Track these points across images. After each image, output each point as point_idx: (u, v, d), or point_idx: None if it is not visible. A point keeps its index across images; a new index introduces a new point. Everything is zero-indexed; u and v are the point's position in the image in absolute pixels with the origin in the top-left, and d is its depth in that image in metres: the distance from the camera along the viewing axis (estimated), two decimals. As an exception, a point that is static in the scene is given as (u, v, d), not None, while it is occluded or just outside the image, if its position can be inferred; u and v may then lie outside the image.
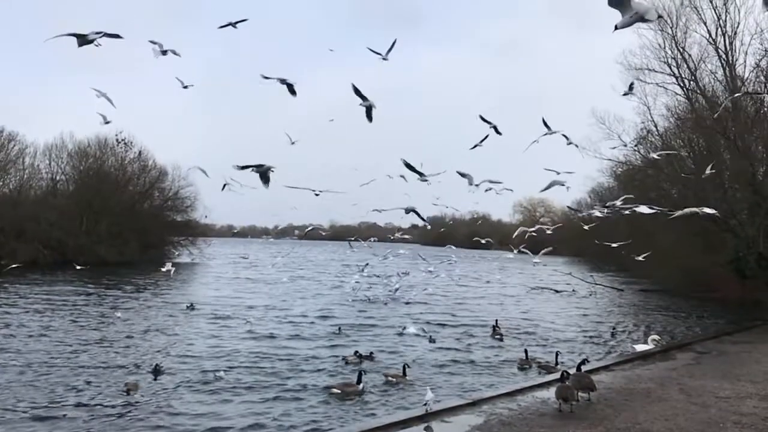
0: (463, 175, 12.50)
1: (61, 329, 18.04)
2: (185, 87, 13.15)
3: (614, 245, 17.92)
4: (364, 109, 10.77)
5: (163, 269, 26.47)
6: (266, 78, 11.08)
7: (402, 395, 11.66)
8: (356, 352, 14.88)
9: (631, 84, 26.12)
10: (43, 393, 11.14)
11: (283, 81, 10.99)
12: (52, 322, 19.29)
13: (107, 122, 13.23)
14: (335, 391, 11.54)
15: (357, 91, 10.67)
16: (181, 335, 17.70)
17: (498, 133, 12.51)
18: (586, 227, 18.26)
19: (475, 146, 13.82)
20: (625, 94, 27.61)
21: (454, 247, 41.52)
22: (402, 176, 13.55)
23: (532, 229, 18.22)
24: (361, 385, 11.59)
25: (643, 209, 8.81)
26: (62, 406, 10.39)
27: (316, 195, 15.29)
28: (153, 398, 10.99)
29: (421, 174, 11.30)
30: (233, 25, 11.68)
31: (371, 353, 14.95)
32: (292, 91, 11.11)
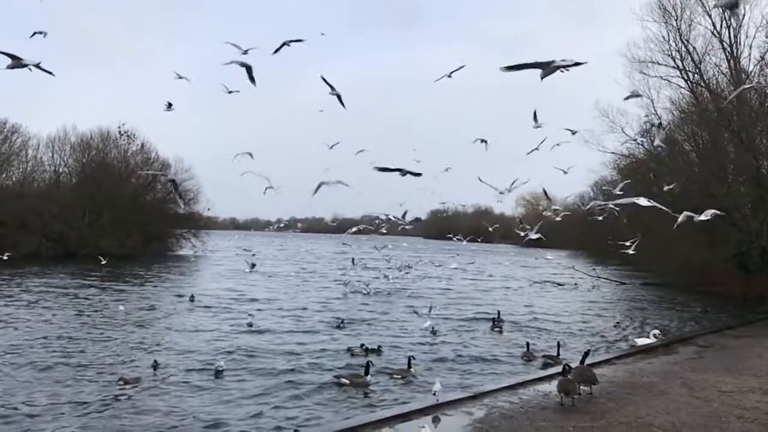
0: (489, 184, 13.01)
1: (61, 322, 18.05)
2: (181, 78, 13.34)
3: (626, 244, 17.92)
4: (346, 101, 11.45)
5: (247, 270, 27.55)
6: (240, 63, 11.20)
7: (407, 387, 11.65)
8: (362, 345, 14.88)
9: (634, 91, 26.03)
10: (41, 387, 11.09)
11: (243, 64, 11.10)
12: (52, 314, 19.31)
13: (170, 107, 13.71)
14: (344, 381, 11.55)
15: (326, 82, 11.50)
16: (183, 328, 17.69)
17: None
18: (600, 217, 18.26)
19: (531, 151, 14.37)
20: (627, 98, 27.59)
21: (463, 242, 41.35)
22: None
23: (535, 234, 18.17)
24: (368, 377, 11.60)
25: (642, 201, 8.72)
26: (60, 399, 10.35)
27: (324, 185, 15.54)
28: (154, 391, 10.97)
29: (401, 171, 11.48)
30: (287, 44, 11.95)
31: (379, 347, 14.92)
32: (252, 78, 11.19)
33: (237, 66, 11.05)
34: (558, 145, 14.36)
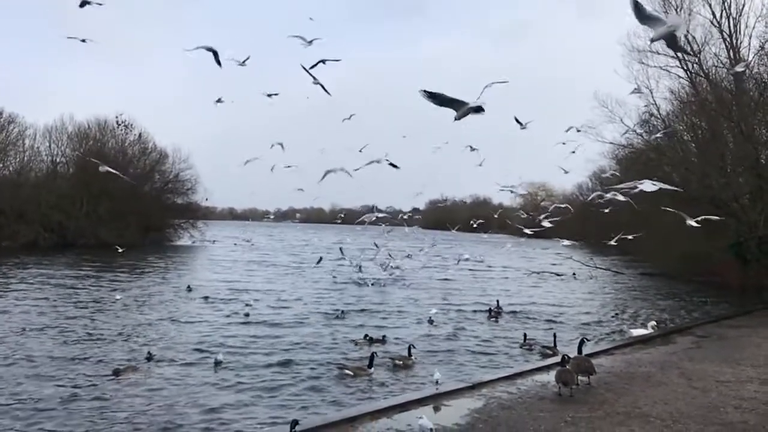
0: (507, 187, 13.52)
1: (56, 311, 17.99)
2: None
3: (630, 237, 18.00)
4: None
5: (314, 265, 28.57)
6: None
7: (407, 378, 11.62)
8: (366, 335, 14.88)
9: (636, 88, 26.07)
10: (33, 377, 10.99)
11: (209, 49, 11.14)
12: (46, 304, 19.26)
13: (219, 101, 13.99)
14: (347, 372, 11.54)
15: (308, 72, 11.92)
16: (179, 318, 17.63)
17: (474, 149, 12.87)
18: (604, 210, 18.30)
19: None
20: (632, 93, 27.64)
21: (486, 235, 41.20)
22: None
23: (548, 223, 18.23)
24: (372, 369, 11.60)
25: (647, 186, 8.70)
26: (52, 390, 10.26)
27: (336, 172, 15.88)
28: (149, 382, 10.92)
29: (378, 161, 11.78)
30: (323, 62, 12.51)
31: (383, 337, 14.93)
32: (218, 61, 11.24)
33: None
34: (564, 144, 14.72)
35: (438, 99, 6.22)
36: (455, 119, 6.45)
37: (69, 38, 12.35)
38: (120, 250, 33.22)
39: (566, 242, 21.41)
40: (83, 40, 12.61)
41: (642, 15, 5.19)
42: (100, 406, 9.51)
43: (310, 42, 11.82)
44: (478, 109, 6.40)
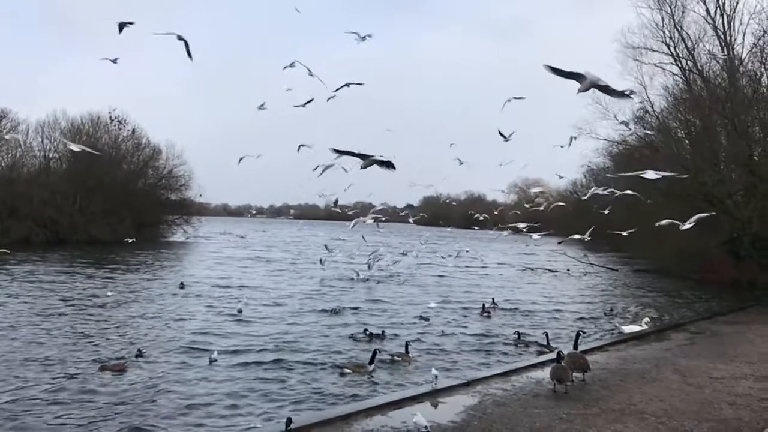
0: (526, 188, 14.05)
1: (46, 308, 17.75)
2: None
3: (624, 233, 18.10)
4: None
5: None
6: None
7: (404, 375, 11.53)
8: (365, 330, 14.85)
9: (631, 91, 26.15)
10: (19, 374, 10.81)
11: (180, 38, 10.98)
12: (37, 301, 19.03)
13: (263, 107, 14.34)
14: (346, 371, 11.47)
15: (303, 65, 12.97)
16: (172, 315, 17.48)
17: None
18: (606, 211, 18.47)
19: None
20: (629, 95, 27.71)
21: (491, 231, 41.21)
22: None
23: (537, 235, 18.34)
24: (371, 366, 11.52)
25: (650, 174, 8.73)
26: (41, 387, 10.09)
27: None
28: (138, 380, 10.76)
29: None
30: (347, 85, 13.39)
31: (383, 332, 14.88)
32: (189, 53, 11.07)
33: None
34: (562, 147, 15.07)
35: (346, 154, 6.80)
36: (361, 168, 6.89)
37: (102, 60, 12.56)
38: (129, 241, 33.45)
39: (576, 236, 21.39)
40: (114, 60, 12.77)
41: (562, 74, 5.33)
42: (88, 403, 9.37)
43: (364, 37, 12.30)
44: (387, 164, 6.78)
